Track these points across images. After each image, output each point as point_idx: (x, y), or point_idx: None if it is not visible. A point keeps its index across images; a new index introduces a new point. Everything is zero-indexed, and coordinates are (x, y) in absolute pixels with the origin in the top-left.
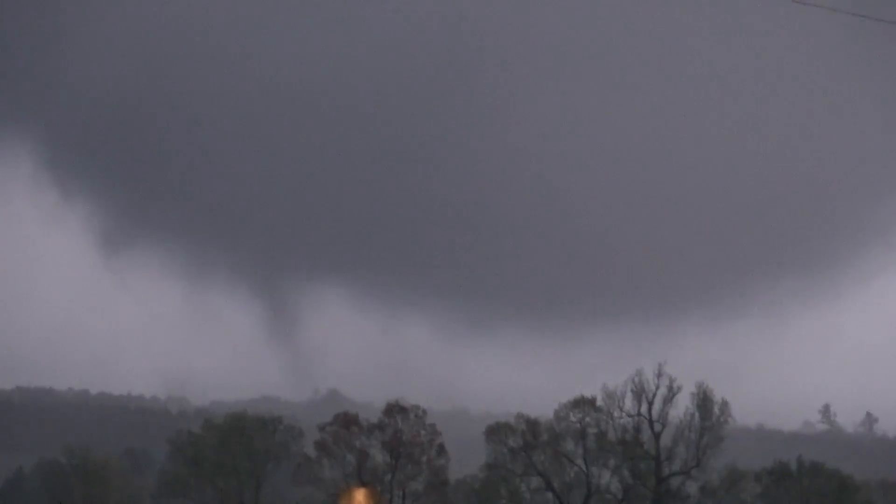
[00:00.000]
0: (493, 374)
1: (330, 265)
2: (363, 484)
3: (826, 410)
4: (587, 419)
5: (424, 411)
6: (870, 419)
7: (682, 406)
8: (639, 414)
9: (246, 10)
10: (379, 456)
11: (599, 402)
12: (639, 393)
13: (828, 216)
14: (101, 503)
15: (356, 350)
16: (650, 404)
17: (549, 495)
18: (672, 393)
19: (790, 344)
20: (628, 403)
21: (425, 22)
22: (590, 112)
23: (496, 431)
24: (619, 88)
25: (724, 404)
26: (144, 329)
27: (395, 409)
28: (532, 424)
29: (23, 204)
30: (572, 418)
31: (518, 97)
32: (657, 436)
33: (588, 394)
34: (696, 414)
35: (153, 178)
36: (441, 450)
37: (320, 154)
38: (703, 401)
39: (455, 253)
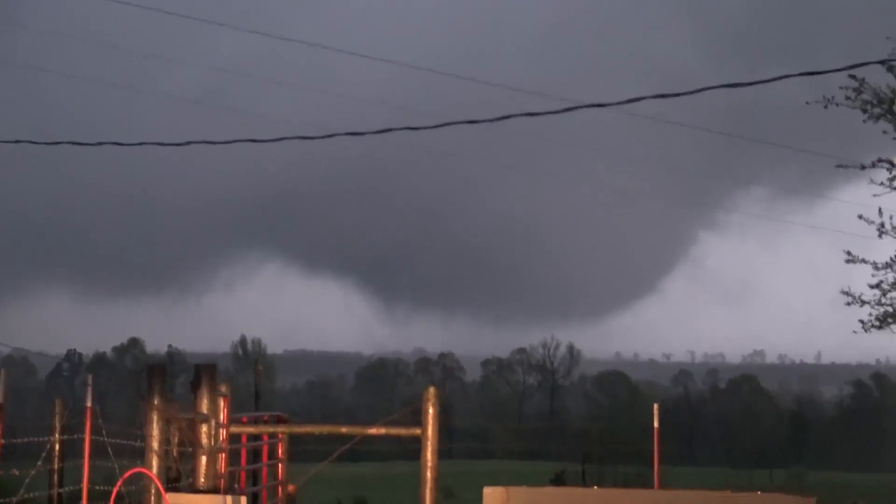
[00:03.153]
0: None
1: None
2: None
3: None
4: (522, 356)
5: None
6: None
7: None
8: (544, 353)
9: None
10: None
11: (529, 350)
12: (544, 345)
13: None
14: None
15: None
16: (549, 350)
17: (508, 390)
18: (556, 345)
19: None
20: (540, 350)
21: None
22: None
23: (486, 363)
24: None
25: (578, 350)
26: None
27: (443, 354)
28: (499, 359)
29: None
30: (517, 356)
31: None
32: (552, 362)
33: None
34: (568, 354)
35: None
36: (463, 370)
37: None
38: (571, 348)
39: None
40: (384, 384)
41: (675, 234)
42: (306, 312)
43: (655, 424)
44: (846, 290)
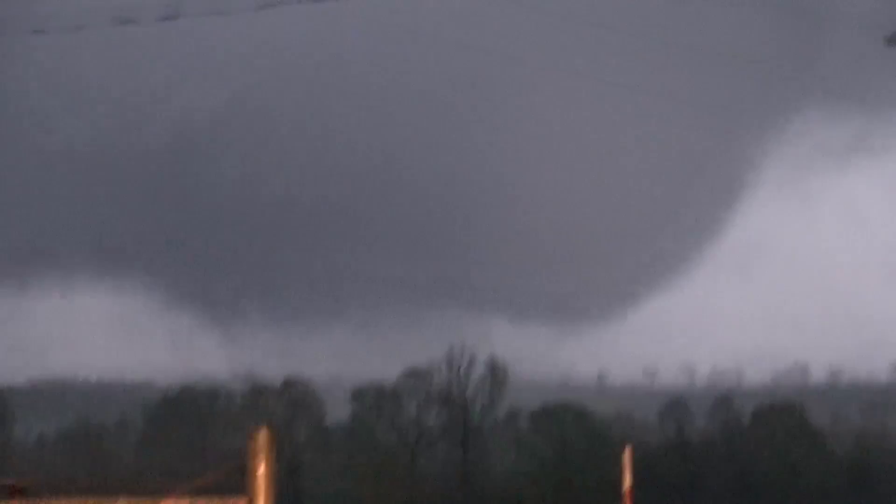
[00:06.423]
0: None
1: None
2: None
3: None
4: (415, 382)
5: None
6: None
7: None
8: (451, 375)
9: None
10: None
11: (427, 371)
12: (450, 363)
13: None
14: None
15: None
16: (458, 370)
17: (394, 434)
18: (470, 362)
19: None
20: (444, 370)
21: None
22: None
23: (359, 394)
24: None
25: (505, 368)
26: None
27: (290, 381)
28: (380, 387)
29: None
30: (406, 383)
31: None
32: (463, 390)
33: (418, 364)
34: (489, 376)
35: None
36: (321, 405)
37: None
38: (493, 367)
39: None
40: (192, 429)
41: (657, 187)
42: (63, 323)
43: (626, 483)
44: None
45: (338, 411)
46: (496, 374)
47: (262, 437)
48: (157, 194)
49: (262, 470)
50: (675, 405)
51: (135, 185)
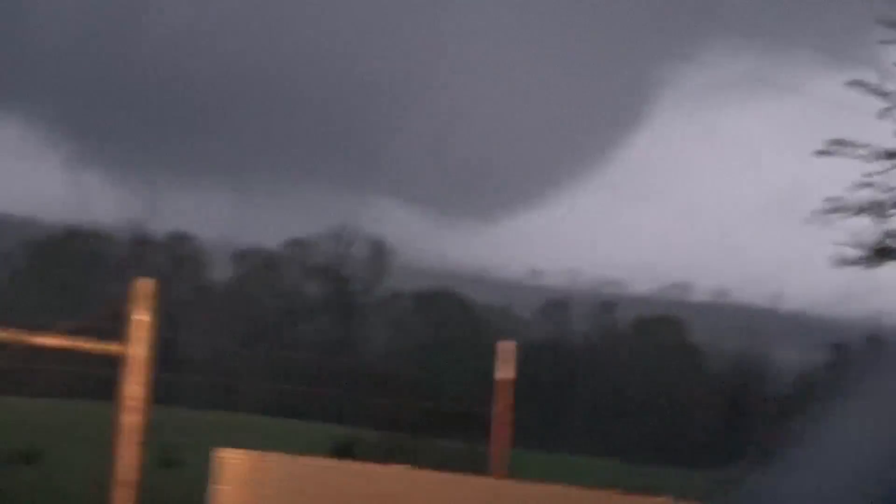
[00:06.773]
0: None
1: None
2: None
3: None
4: (300, 252)
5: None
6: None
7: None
8: (336, 250)
9: None
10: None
11: (309, 243)
12: (335, 237)
13: None
14: None
15: None
16: (343, 246)
17: (274, 301)
18: (355, 240)
19: None
20: (329, 245)
21: None
22: None
23: (242, 257)
24: None
25: (391, 250)
26: None
27: (176, 236)
28: (264, 252)
29: None
30: (290, 252)
31: None
32: (346, 267)
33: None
34: (373, 255)
35: None
36: (204, 264)
37: None
38: (378, 246)
39: None
40: (74, 271)
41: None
42: None
43: (499, 374)
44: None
45: (220, 272)
46: (380, 253)
47: (145, 285)
48: (55, 28)
49: (142, 318)
50: (557, 305)
51: (26, 17)
